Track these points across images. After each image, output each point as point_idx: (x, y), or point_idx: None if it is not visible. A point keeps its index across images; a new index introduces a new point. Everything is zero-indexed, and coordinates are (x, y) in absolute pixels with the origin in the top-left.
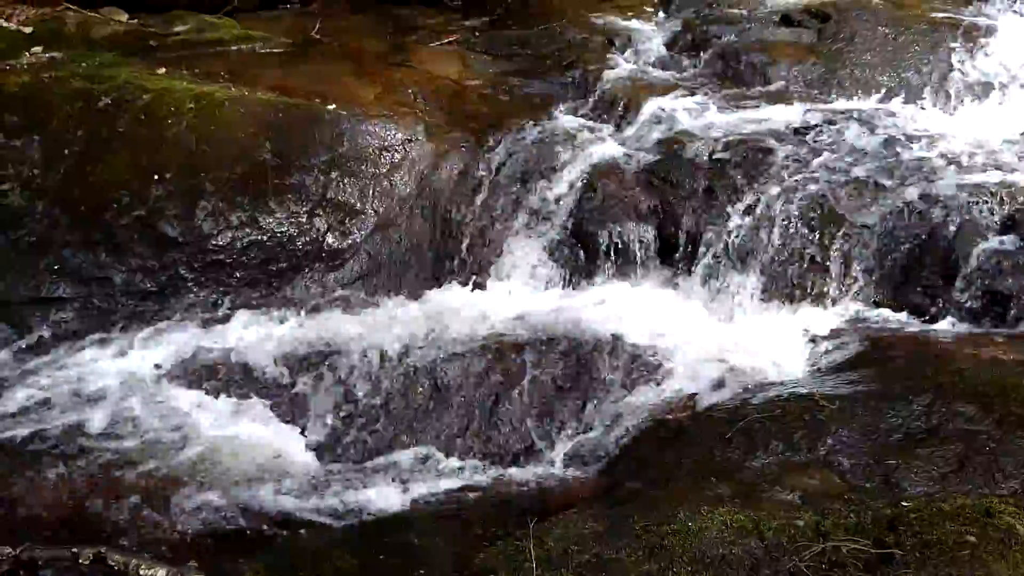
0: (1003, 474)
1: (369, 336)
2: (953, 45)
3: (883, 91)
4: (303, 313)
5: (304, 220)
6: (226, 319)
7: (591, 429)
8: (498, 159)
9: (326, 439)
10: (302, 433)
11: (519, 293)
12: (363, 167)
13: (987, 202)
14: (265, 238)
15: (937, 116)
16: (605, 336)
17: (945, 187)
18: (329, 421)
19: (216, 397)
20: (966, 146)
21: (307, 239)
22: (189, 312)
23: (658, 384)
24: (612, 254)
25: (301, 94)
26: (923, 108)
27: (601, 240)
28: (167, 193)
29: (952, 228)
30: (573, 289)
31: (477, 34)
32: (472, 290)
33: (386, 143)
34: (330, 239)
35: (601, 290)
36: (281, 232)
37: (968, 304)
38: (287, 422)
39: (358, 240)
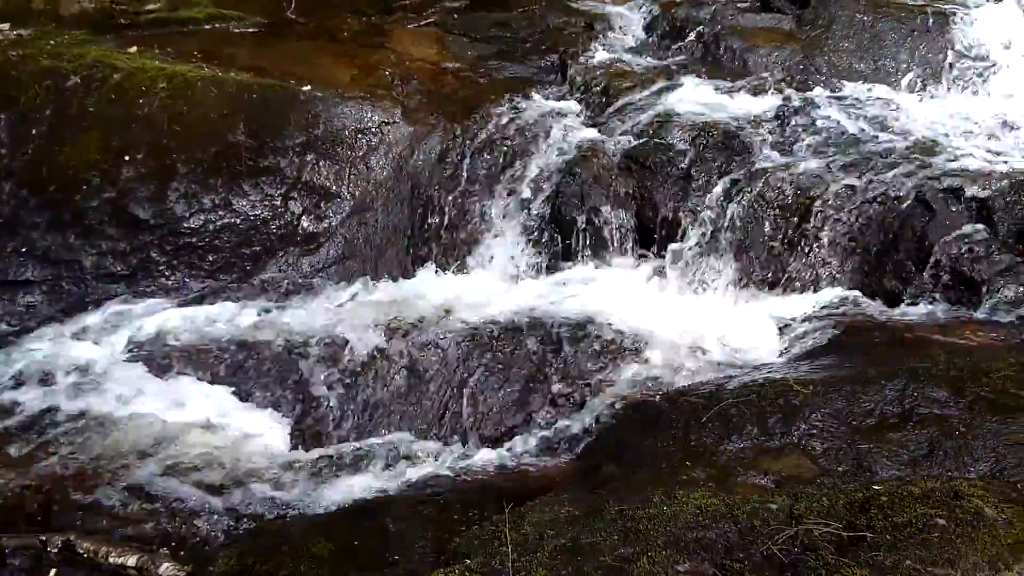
0: (972, 457)
1: (345, 321)
2: (931, 32)
3: (860, 77)
4: (277, 297)
5: (279, 203)
6: (198, 303)
7: (568, 413)
8: (476, 143)
9: (301, 424)
10: (277, 418)
11: (497, 277)
12: (339, 150)
13: (960, 189)
14: (238, 221)
15: (913, 102)
16: (582, 321)
17: (920, 173)
18: (304, 406)
19: (189, 382)
20: (941, 132)
21: (281, 222)
22: (161, 295)
23: (635, 368)
24: (590, 238)
25: (276, 75)
26: (899, 94)
27: (579, 224)
28: (138, 174)
29: (925, 214)
30: (551, 273)
31: (455, 16)
32: (450, 274)
33: (362, 125)
34: (305, 223)
35: (579, 274)
36: (255, 215)
37: (940, 290)
38: (261, 407)
39: (334, 224)
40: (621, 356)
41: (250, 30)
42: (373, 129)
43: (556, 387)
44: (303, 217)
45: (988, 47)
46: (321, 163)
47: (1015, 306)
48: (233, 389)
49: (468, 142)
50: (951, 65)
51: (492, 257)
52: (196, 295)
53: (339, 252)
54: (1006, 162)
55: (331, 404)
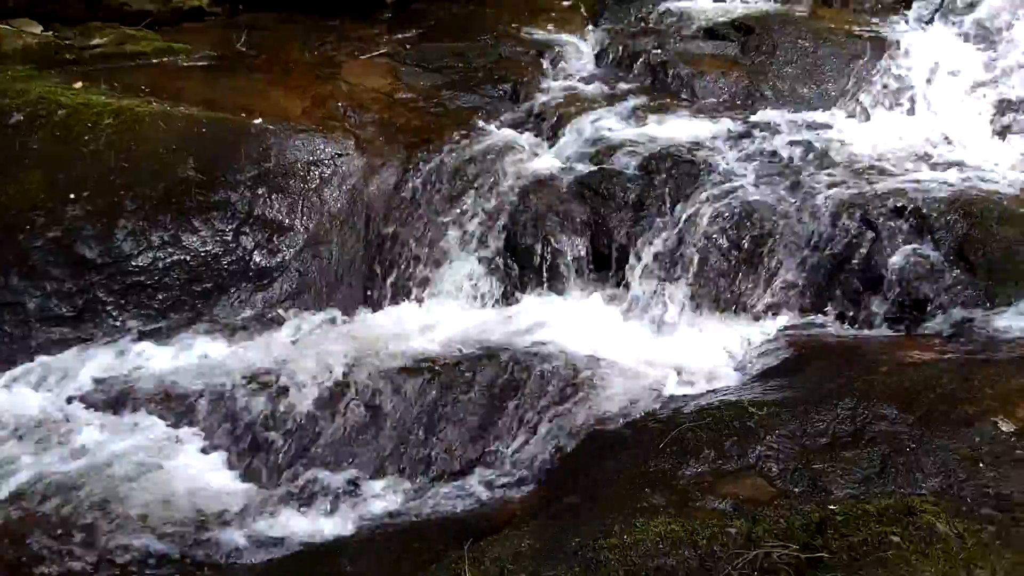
0: (923, 473)
1: (298, 357)
2: (868, 58)
3: (804, 101)
4: (229, 334)
5: (230, 238)
6: (148, 342)
7: (528, 444)
8: (431, 172)
9: (253, 465)
10: (227, 458)
11: (453, 308)
12: (291, 182)
13: (904, 209)
14: (189, 258)
15: (855, 125)
16: (540, 350)
17: (865, 195)
18: (257, 446)
19: (137, 424)
20: (882, 153)
21: (233, 258)
22: (108, 337)
23: (593, 395)
24: (546, 266)
25: (227, 108)
26: (842, 117)
27: (534, 252)
28: (84, 212)
29: (872, 235)
30: (508, 303)
31: (408, 47)
32: (405, 306)
33: (315, 157)
34: (257, 257)
35: (536, 303)
36: (206, 251)
37: (888, 308)
38: (212, 448)
39: (287, 258)
40: (579, 384)
41: (200, 64)
42: (326, 161)
43: (515, 417)
44: (255, 252)
45: (922, 70)
46: (273, 196)
47: (959, 321)
48: (183, 430)
49: (423, 172)
50: (889, 88)
51: (448, 287)
52: (145, 335)
53: (293, 286)
54: (944, 181)
55: (284, 442)
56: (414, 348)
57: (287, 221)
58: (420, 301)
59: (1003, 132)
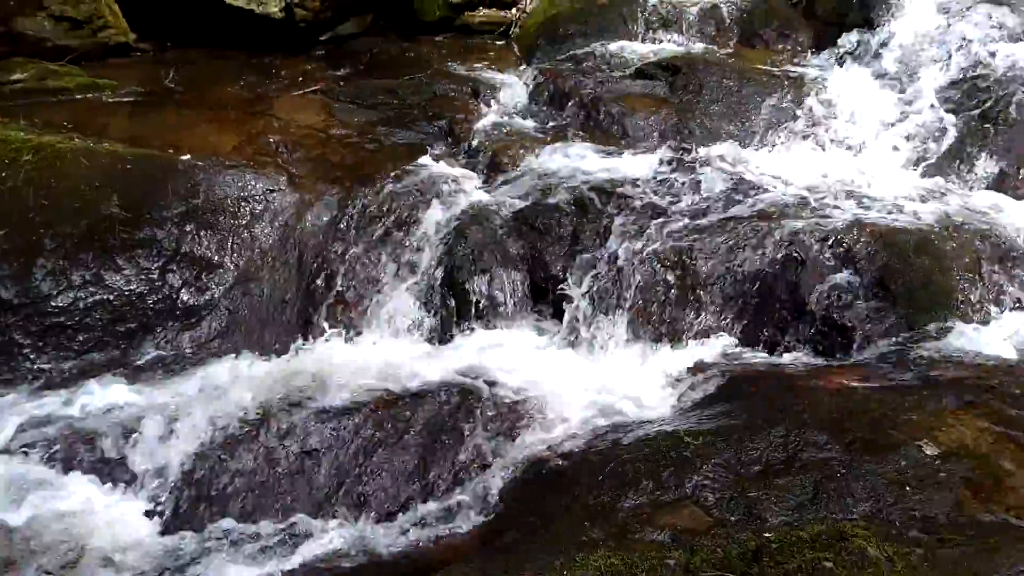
0: (854, 498)
1: (228, 397)
2: (789, 96)
3: (730, 138)
4: (154, 376)
5: (156, 276)
6: (67, 386)
7: (468, 481)
8: (366, 208)
9: (180, 513)
10: (152, 506)
11: (390, 345)
12: (221, 219)
13: (827, 240)
14: (112, 297)
15: (779, 160)
16: (479, 384)
17: (790, 227)
18: (183, 493)
19: (55, 474)
20: (805, 188)
21: (159, 296)
22: (25, 381)
23: (532, 430)
24: (483, 301)
25: (154, 144)
26: (766, 153)
27: (472, 288)
28: (0, 252)
29: (798, 266)
30: (445, 337)
31: (342, 83)
32: (340, 343)
33: (246, 193)
34: (185, 295)
35: (474, 337)
36: (130, 290)
37: (816, 337)
38: (136, 495)
39: (216, 296)
40: (518, 418)
41: (126, 99)
42: (257, 197)
43: (454, 454)
44: (183, 290)
45: (839, 108)
46: (202, 233)
47: (883, 348)
48: (105, 477)
49: (357, 208)
50: (809, 125)
51: (384, 323)
52: (65, 378)
53: (222, 325)
54: (864, 213)
55: (213, 487)
56: (350, 385)
57: (216, 258)
58: (356, 337)
59: (914, 165)
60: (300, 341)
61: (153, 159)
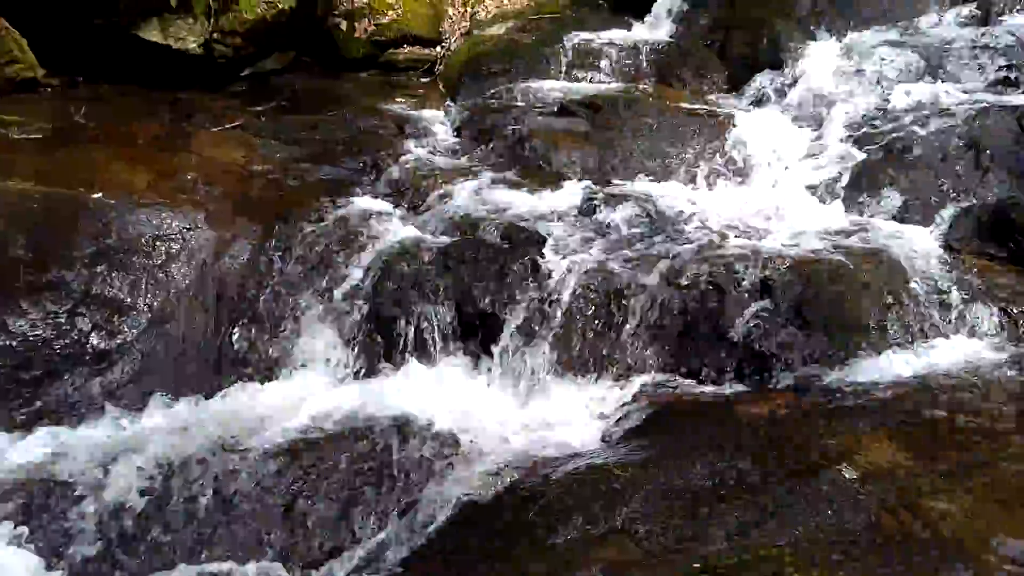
0: (780, 525)
1: (143, 445)
2: (707, 133)
3: (651, 173)
4: (62, 423)
5: (64, 320)
6: None
7: (397, 524)
8: (287, 245)
9: (87, 568)
10: (57, 563)
11: (315, 385)
12: (134, 259)
13: (746, 270)
14: (15, 343)
15: (698, 195)
16: (406, 423)
17: (711, 260)
18: (91, 545)
19: None
20: (724, 220)
21: (67, 341)
22: None
23: (462, 468)
24: (411, 338)
25: (63, 183)
26: (685, 188)
27: (399, 324)
28: None
29: (718, 297)
30: (371, 376)
31: (263, 119)
32: (263, 385)
33: (161, 232)
34: (95, 339)
35: (401, 375)
36: (36, 335)
37: (740, 365)
38: (38, 552)
39: (129, 339)
40: (447, 456)
41: (34, 136)
42: (173, 235)
43: (382, 497)
44: (93, 334)
45: (755, 145)
46: (114, 274)
47: (802, 375)
48: (6, 532)
49: (279, 245)
50: (726, 161)
51: (308, 363)
52: None
53: (135, 369)
54: (780, 245)
55: (124, 540)
56: (273, 429)
57: (129, 299)
58: (277, 378)
59: (825, 198)
60: (219, 383)
61: (62, 198)
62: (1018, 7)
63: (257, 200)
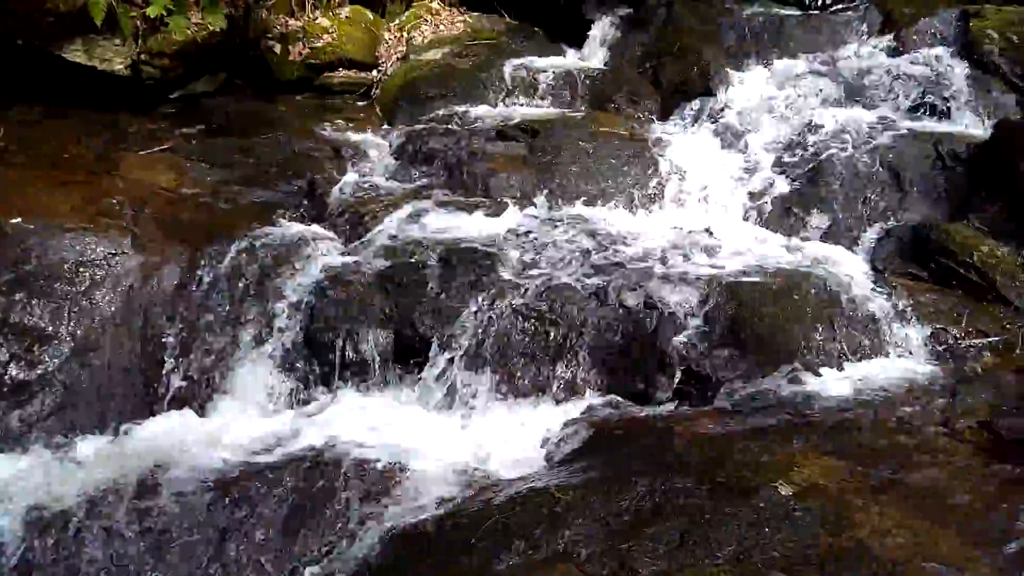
0: (719, 542)
1: (64, 482)
2: (641, 157)
3: (588, 196)
4: None
5: None
6: None
7: (335, 556)
8: (219, 270)
9: None
10: None
11: (248, 415)
12: (56, 286)
13: (681, 292)
14: None
15: (634, 218)
16: (344, 452)
17: (648, 280)
18: None
19: None
20: (659, 242)
21: None
22: None
23: (401, 497)
24: (348, 363)
25: None
26: (621, 211)
27: (336, 350)
28: None
29: (655, 318)
30: (307, 403)
31: (194, 142)
32: (191, 415)
33: (85, 258)
34: (14, 370)
35: (337, 402)
36: None
37: (677, 385)
38: None
39: (51, 369)
40: (386, 485)
41: None
42: (98, 261)
43: (320, 528)
44: (11, 365)
45: (687, 168)
46: (34, 302)
47: (739, 395)
48: None
49: (210, 270)
50: (662, 184)
51: (242, 392)
52: None
53: (57, 401)
54: (714, 266)
55: None
56: (202, 461)
57: (51, 328)
58: (208, 409)
59: (756, 221)
60: (145, 414)
61: None
62: (931, 39)
63: (187, 224)
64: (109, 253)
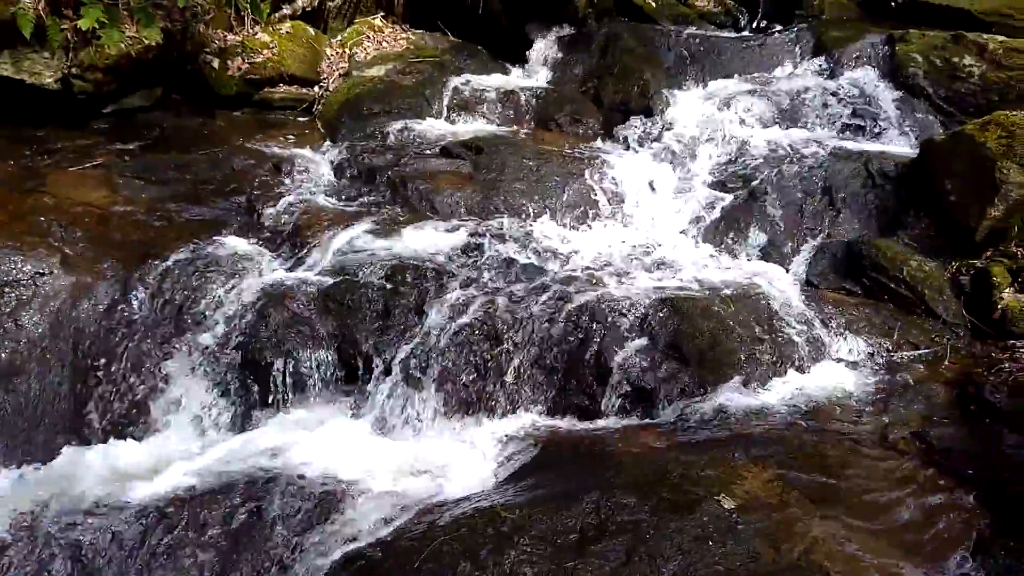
0: (663, 558)
1: None
2: (585, 175)
3: (532, 214)
4: None
5: None
6: None
7: None
8: (152, 290)
9: None
10: None
11: (183, 439)
12: None
13: (623, 307)
14: None
15: (577, 234)
16: (284, 474)
17: (590, 296)
18: None
19: None
20: (602, 259)
21: None
22: None
23: (344, 519)
24: (289, 383)
25: None
26: (565, 228)
27: (276, 370)
28: None
29: (599, 333)
30: (246, 427)
31: (128, 158)
32: (123, 442)
33: (10, 278)
34: None
35: (277, 424)
36: None
37: (621, 401)
38: None
39: None
40: (327, 508)
41: None
42: (24, 281)
43: (259, 555)
44: None
45: (629, 186)
46: None
47: (680, 408)
48: None
49: (143, 290)
50: (604, 202)
51: (175, 416)
52: None
53: None
54: (656, 282)
55: None
56: (133, 491)
57: None
58: (143, 433)
59: (695, 238)
60: (75, 442)
61: None
62: (861, 62)
63: (120, 243)
64: (36, 272)
